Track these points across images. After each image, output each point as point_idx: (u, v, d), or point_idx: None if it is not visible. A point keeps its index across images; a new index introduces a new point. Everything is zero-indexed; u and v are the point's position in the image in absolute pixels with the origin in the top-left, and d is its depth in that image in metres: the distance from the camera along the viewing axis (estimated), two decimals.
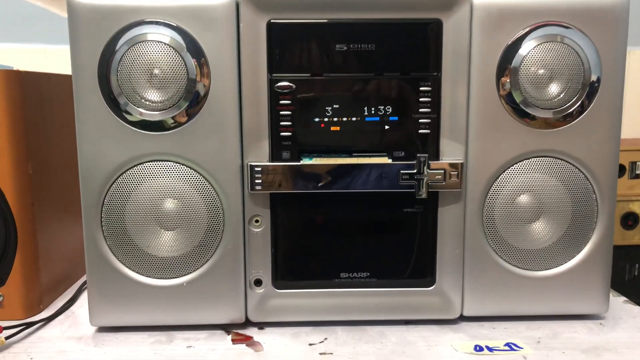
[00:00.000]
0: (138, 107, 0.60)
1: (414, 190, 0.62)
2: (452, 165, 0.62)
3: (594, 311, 0.66)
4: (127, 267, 0.63)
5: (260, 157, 0.62)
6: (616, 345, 0.61)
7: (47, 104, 0.72)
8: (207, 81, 0.60)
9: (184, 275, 0.63)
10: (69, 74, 0.61)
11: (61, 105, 0.75)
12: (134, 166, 0.61)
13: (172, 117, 0.60)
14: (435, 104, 0.62)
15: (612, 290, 0.72)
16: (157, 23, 0.59)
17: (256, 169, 0.61)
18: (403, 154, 0.62)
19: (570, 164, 0.63)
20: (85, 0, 0.59)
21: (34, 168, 0.68)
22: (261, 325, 0.65)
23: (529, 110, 0.62)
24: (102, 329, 0.65)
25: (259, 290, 0.64)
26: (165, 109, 0.60)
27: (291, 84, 0.61)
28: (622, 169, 1.71)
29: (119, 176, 0.61)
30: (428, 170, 0.61)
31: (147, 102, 0.60)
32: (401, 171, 0.61)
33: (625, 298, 0.73)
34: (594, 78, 0.62)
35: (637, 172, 1.72)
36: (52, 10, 0.74)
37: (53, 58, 1.87)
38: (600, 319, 0.67)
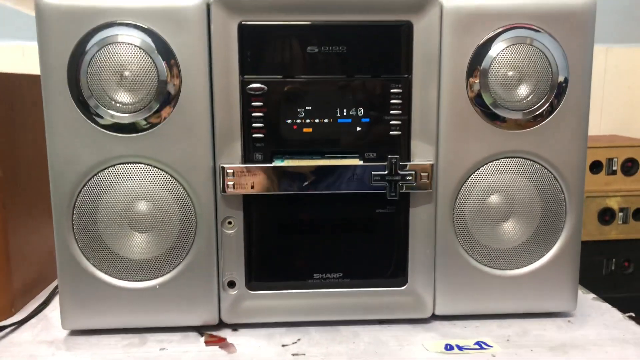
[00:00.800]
0: (108, 109, 0.60)
1: (385, 191, 0.62)
2: (422, 166, 0.62)
3: (563, 309, 0.68)
4: (99, 269, 0.63)
5: (232, 158, 0.62)
6: (583, 343, 0.62)
7: (18, 105, 0.71)
8: (178, 83, 0.60)
9: (157, 277, 0.63)
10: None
11: (33, 106, 0.74)
12: (105, 169, 0.61)
13: (144, 119, 0.60)
14: (406, 106, 0.62)
15: (582, 288, 0.74)
16: (127, 25, 0.59)
17: (228, 170, 0.61)
18: (374, 155, 0.63)
19: (539, 164, 0.64)
20: (54, 1, 0.58)
21: (4, 170, 0.67)
22: (235, 327, 0.66)
23: (498, 112, 0.63)
24: (75, 333, 0.64)
25: (233, 292, 0.64)
26: (136, 111, 0.60)
27: (263, 86, 0.61)
28: (599, 166, 1.74)
29: (90, 179, 0.61)
30: (399, 171, 0.62)
31: (118, 104, 0.60)
32: (372, 172, 0.62)
33: (594, 295, 0.75)
34: (561, 79, 0.63)
35: (614, 168, 1.75)
36: (22, 10, 0.73)
37: (31, 55, 1.84)
38: (569, 316, 0.68)
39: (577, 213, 0.66)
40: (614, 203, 1.76)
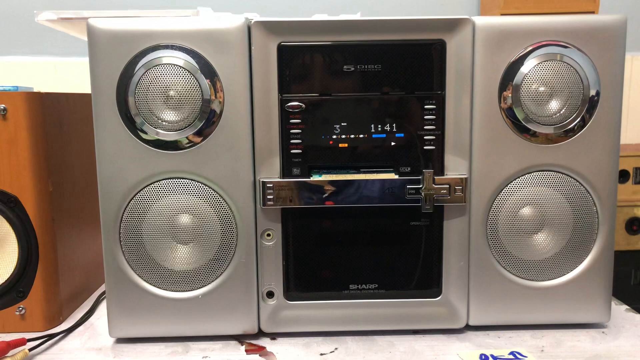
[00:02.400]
0: (155, 127, 0.63)
1: (420, 204, 0.64)
2: (456, 180, 0.64)
3: (597, 320, 0.68)
4: (144, 280, 0.65)
5: (271, 173, 0.64)
6: (618, 354, 0.62)
7: (66, 123, 0.75)
8: (221, 101, 0.63)
9: (199, 287, 0.66)
10: (87, 93, 0.64)
11: (79, 124, 0.78)
12: (151, 183, 0.64)
13: (187, 137, 0.63)
14: (440, 121, 0.64)
15: (614, 299, 0.74)
16: (172, 47, 0.62)
17: (268, 185, 0.64)
18: (409, 169, 0.65)
19: (571, 177, 0.65)
20: (105, 26, 0.61)
21: (54, 184, 0.71)
22: (273, 336, 0.68)
23: (530, 127, 0.64)
24: (121, 340, 0.67)
25: (271, 302, 0.67)
26: (181, 129, 0.63)
27: (301, 104, 0.63)
28: (626, 175, 1.73)
29: (137, 193, 0.64)
30: (433, 185, 0.64)
31: (164, 123, 0.63)
32: (407, 186, 0.64)
33: (627, 306, 0.75)
34: (593, 93, 0.64)
35: None
36: (71, 33, 0.77)
37: (63, 71, 1.90)
38: (602, 327, 0.69)
39: (609, 225, 0.67)
40: None
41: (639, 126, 1.97)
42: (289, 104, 0.63)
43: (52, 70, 1.91)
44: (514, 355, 0.62)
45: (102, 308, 0.76)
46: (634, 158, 1.72)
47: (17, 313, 0.69)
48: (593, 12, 1.66)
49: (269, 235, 0.66)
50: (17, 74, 1.91)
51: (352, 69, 0.63)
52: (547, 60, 0.63)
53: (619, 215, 1.68)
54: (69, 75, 1.89)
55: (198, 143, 0.63)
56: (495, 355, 0.62)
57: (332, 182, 0.64)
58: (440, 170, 0.65)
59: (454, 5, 1.95)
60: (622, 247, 1.71)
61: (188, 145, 0.63)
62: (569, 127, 0.64)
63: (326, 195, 0.64)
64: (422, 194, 0.64)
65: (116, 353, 0.65)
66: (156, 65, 0.62)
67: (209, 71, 0.62)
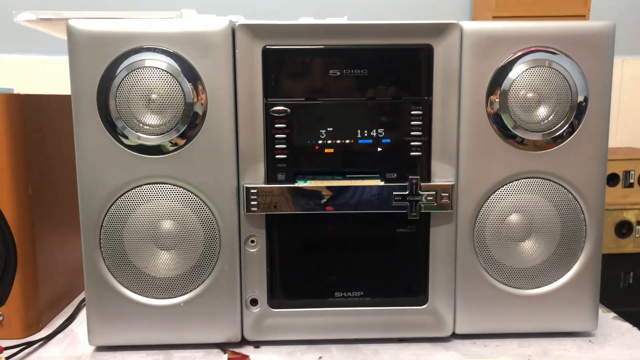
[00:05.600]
0: (136, 131, 0.61)
1: (406, 211, 0.63)
2: (443, 186, 0.63)
3: (584, 328, 0.68)
4: (125, 287, 0.64)
5: (256, 179, 0.63)
6: None
7: (47, 125, 0.73)
8: (204, 105, 0.61)
9: (181, 295, 0.64)
10: (69, 94, 0.62)
11: (61, 126, 0.76)
12: (132, 189, 0.63)
13: (170, 141, 0.62)
14: (427, 127, 0.63)
15: (602, 306, 0.74)
16: (154, 50, 0.61)
17: (252, 190, 0.62)
18: (395, 175, 0.64)
19: (559, 184, 0.65)
20: (85, 27, 0.60)
21: (34, 188, 0.69)
22: (257, 344, 0.66)
23: (518, 133, 0.63)
24: (101, 348, 0.66)
25: (255, 310, 0.65)
26: (163, 133, 0.61)
27: (286, 108, 0.62)
28: (616, 178, 1.73)
29: (117, 198, 0.63)
30: (420, 191, 0.63)
31: (146, 127, 0.61)
32: (393, 193, 0.63)
33: (614, 314, 0.74)
34: (581, 99, 0.63)
35: (631, 181, 1.74)
36: (52, 34, 0.75)
37: (52, 69, 1.88)
38: (589, 336, 0.68)
39: (597, 233, 0.66)
40: (631, 216, 1.74)
41: (629, 129, 1.97)
42: (273, 108, 0.62)
43: (41, 69, 1.89)
44: None
45: (83, 314, 0.74)
46: (624, 162, 1.73)
47: None
48: (584, 16, 1.66)
49: (252, 241, 0.65)
50: (5, 72, 1.88)
51: (339, 73, 0.62)
52: (536, 66, 0.62)
53: (608, 218, 1.69)
54: (58, 74, 1.88)
55: (180, 148, 0.62)
56: None
57: (317, 189, 0.63)
58: (427, 177, 0.64)
59: (446, 9, 1.95)
60: (611, 251, 1.72)
61: (170, 149, 0.62)
62: (557, 133, 0.64)
63: (311, 201, 0.63)
64: (408, 200, 0.63)
65: None
66: (138, 68, 0.60)
67: (192, 74, 0.61)
